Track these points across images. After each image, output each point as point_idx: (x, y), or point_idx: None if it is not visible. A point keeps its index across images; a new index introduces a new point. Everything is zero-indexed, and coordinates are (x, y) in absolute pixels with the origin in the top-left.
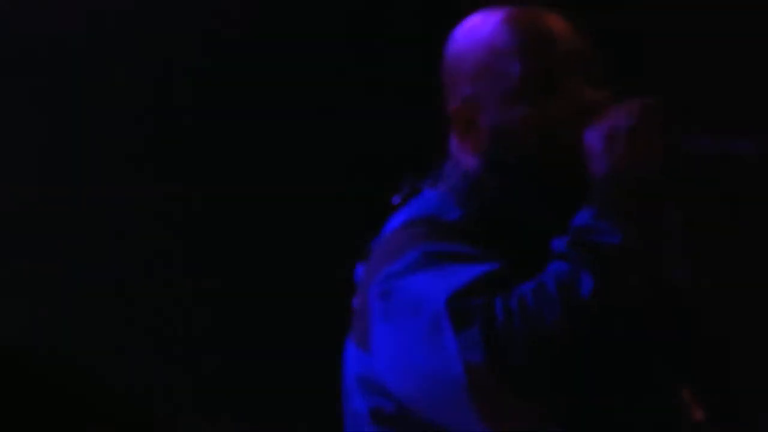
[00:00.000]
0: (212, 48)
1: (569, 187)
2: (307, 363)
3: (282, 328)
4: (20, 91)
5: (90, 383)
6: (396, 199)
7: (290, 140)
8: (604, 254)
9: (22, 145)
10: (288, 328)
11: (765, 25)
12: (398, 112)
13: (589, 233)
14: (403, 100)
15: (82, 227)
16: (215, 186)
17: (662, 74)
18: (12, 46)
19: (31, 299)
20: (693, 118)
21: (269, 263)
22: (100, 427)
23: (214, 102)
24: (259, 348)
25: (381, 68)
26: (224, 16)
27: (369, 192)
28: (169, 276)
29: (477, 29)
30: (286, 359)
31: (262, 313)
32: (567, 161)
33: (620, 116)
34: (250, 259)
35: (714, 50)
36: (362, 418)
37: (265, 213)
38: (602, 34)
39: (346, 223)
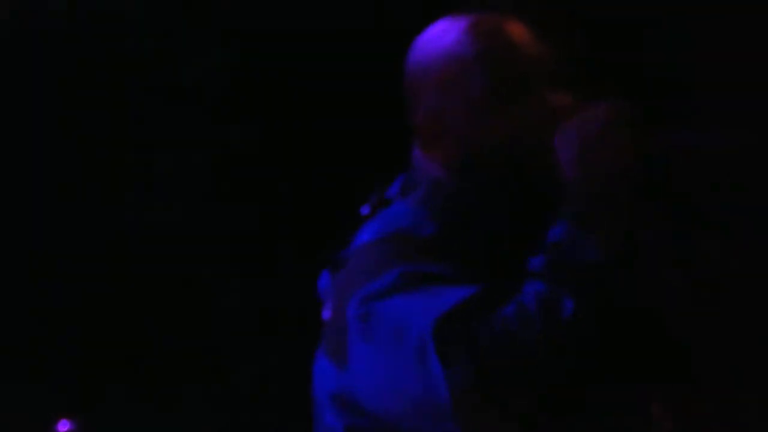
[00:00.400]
0: None
1: (542, 195)
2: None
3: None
4: None
5: None
6: (365, 210)
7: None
8: (582, 273)
9: None
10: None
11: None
12: (361, 120)
13: (565, 250)
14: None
15: None
16: None
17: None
18: None
19: None
20: (657, 118)
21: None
22: None
23: None
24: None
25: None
26: None
27: (338, 200)
28: None
29: (439, 39)
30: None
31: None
32: (538, 168)
33: (589, 121)
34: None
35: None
36: None
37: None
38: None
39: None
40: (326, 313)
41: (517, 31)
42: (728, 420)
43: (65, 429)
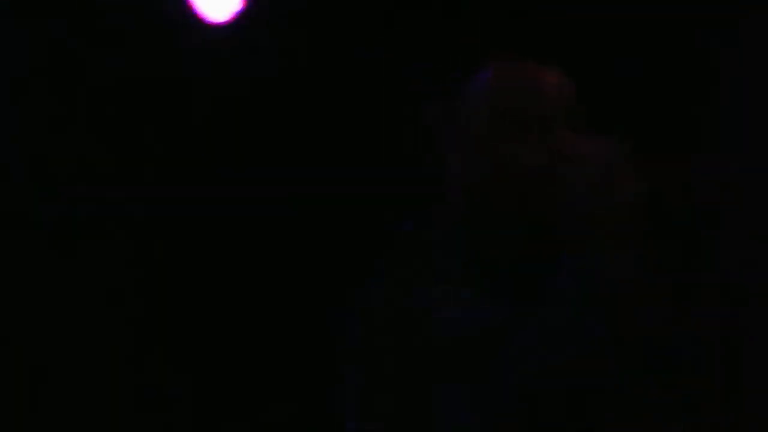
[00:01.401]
0: None
1: (550, 225)
2: None
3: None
4: None
5: None
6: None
7: None
8: (612, 295)
9: None
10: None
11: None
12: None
13: (593, 275)
14: None
15: None
16: None
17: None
18: None
19: None
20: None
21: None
22: None
23: None
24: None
25: None
26: None
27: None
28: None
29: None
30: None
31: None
32: (545, 202)
33: (599, 158)
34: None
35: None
36: None
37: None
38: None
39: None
40: None
41: (538, 75)
42: None
43: None
